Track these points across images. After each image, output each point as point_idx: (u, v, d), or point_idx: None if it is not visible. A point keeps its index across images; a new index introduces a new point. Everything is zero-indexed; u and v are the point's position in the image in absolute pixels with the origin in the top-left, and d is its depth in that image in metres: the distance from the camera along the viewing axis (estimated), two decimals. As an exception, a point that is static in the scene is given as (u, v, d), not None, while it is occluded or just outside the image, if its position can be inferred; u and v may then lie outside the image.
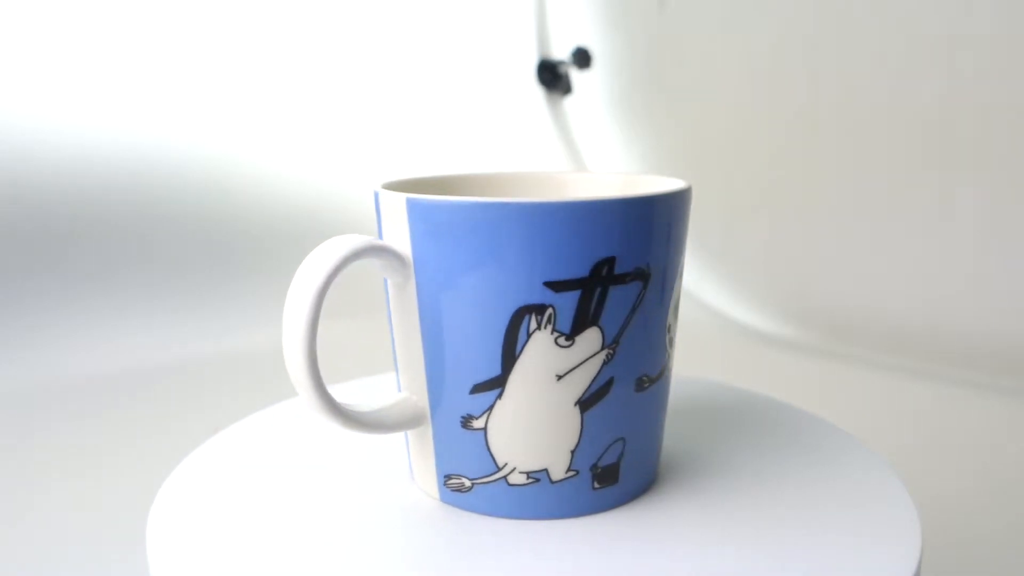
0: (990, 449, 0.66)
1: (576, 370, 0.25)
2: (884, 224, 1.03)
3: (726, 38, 1.22)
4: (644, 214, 0.25)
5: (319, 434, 0.34)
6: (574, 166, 1.36)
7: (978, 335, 0.90)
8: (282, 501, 0.29)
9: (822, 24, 1.10)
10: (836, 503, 0.28)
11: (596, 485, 0.27)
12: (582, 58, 1.36)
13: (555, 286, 0.24)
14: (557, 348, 0.25)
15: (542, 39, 1.41)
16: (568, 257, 0.24)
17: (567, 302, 0.24)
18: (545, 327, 0.25)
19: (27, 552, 0.49)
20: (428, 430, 0.28)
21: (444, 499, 0.28)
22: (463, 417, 0.26)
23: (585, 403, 0.26)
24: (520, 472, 0.26)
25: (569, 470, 0.26)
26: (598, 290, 0.25)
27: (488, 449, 0.26)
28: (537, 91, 1.38)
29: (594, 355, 0.25)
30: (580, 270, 0.24)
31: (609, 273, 0.25)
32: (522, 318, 0.25)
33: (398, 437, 0.33)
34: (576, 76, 1.40)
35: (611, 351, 0.25)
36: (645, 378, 0.27)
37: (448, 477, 0.28)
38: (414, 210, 0.25)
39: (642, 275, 0.25)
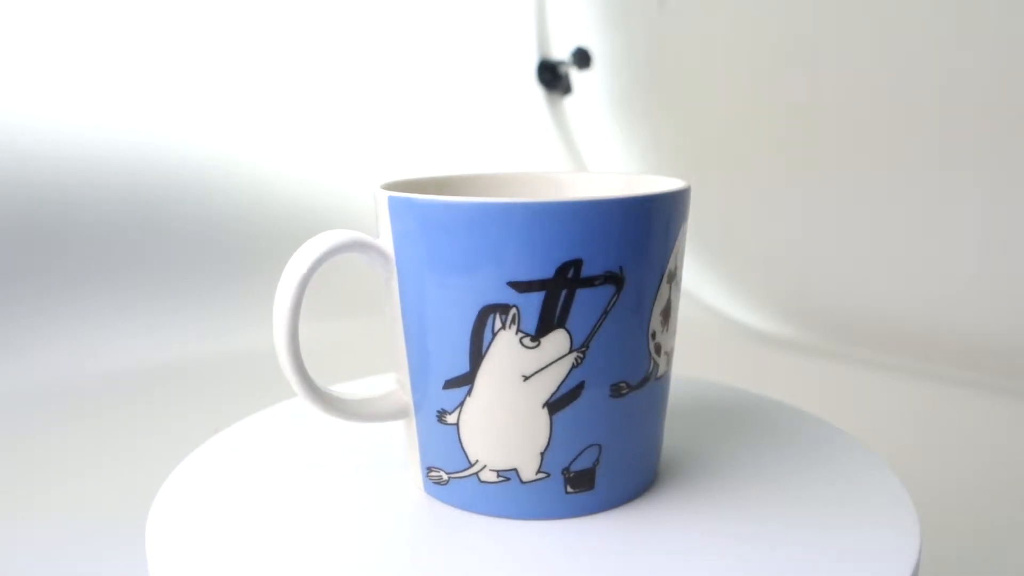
0: (990, 449, 0.66)
1: (543, 372, 0.25)
2: (884, 224, 1.03)
3: (726, 38, 1.22)
4: (613, 217, 0.24)
5: (319, 434, 0.35)
6: (574, 166, 1.36)
7: (978, 335, 0.90)
8: (282, 501, 0.29)
9: (822, 24, 1.10)
10: (835, 503, 0.28)
11: (569, 489, 0.27)
12: (582, 58, 1.36)
13: (519, 286, 0.24)
14: (523, 348, 0.25)
15: (542, 39, 1.41)
16: (532, 258, 0.24)
17: (531, 303, 0.24)
18: (509, 327, 0.25)
19: (27, 552, 0.49)
20: (413, 423, 0.28)
21: (427, 491, 0.29)
22: (438, 411, 0.27)
23: (554, 405, 0.26)
24: (491, 470, 0.27)
25: (539, 472, 0.26)
26: (564, 292, 0.24)
27: (461, 445, 0.27)
28: (537, 91, 1.38)
29: (562, 358, 0.25)
30: (544, 272, 0.24)
31: (576, 276, 0.24)
32: (487, 317, 0.25)
33: (398, 435, 0.33)
34: (576, 76, 1.40)
35: (580, 355, 0.25)
36: (623, 385, 0.26)
37: (430, 469, 0.28)
38: (393, 208, 0.26)
39: (614, 279, 0.25)
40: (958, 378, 0.82)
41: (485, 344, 0.25)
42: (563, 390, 0.25)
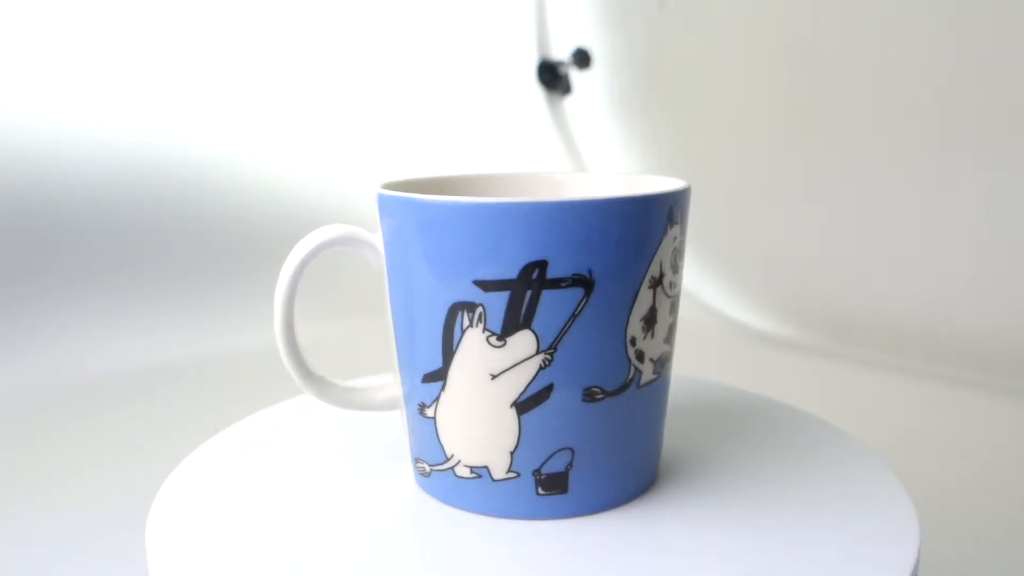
0: (990, 449, 0.66)
1: (510, 371, 0.25)
2: (884, 224, 1.03)
3: (726, 38, 1.22)
4: (580, 219, 0.24)
5: (319, 434, 0.35)
6: (574, 166, 1.36)
7: (978, 335, 0.90)
8: (281, 501, 0.29)
9: (822, 24, 1.10)
10: (835, 503, 0.28)
11: (541, 491, 0.27)
12: (582, 58, 1.36)
13: (484, 285, 0.25)
14: (489, 347, 0.25)
15: (542, 39, 1.41)
16: (496, 258, 0.24)
17: (497, 302, 0.25)
18: (476, 325, 0.25)
19: (26, 552, 0.49)
20: (403, 414, 0.29)
21: (417, 481, 0.29)
22: (419, 404, 0.28)
23: (522, 406, 0.26)
24: (464, 465, 0.27)
25: (510, 471, 0.26)
26: (528, 293, 0.24)
27: (438, 438, 0.27)
28: (537, 91, 1.38)
29: (528, 358, 0.25)
30: (508, 272, 0.24)
31: (541, 277, 0.24)
32: (456, 314, 0.25)
33: (399, 433, 0.33)
34: (576, 76, 1.40)
35: (548, 356, 0.25)
36: (597, 390, 0.26)
37: (417, 461, 0.29)
38: (380, 205, 0.27)
39: (583, 282, 0.25)
40: (958, 378, 0.82)
41: (455, 341, 0.26)
42: (531, 391, 0.25)
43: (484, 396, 0.26)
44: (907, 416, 0.73)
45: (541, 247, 0.24)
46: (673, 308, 0.28)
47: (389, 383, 0.30)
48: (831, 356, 0.90)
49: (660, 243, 0.26)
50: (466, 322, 0.25)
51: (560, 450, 0.26)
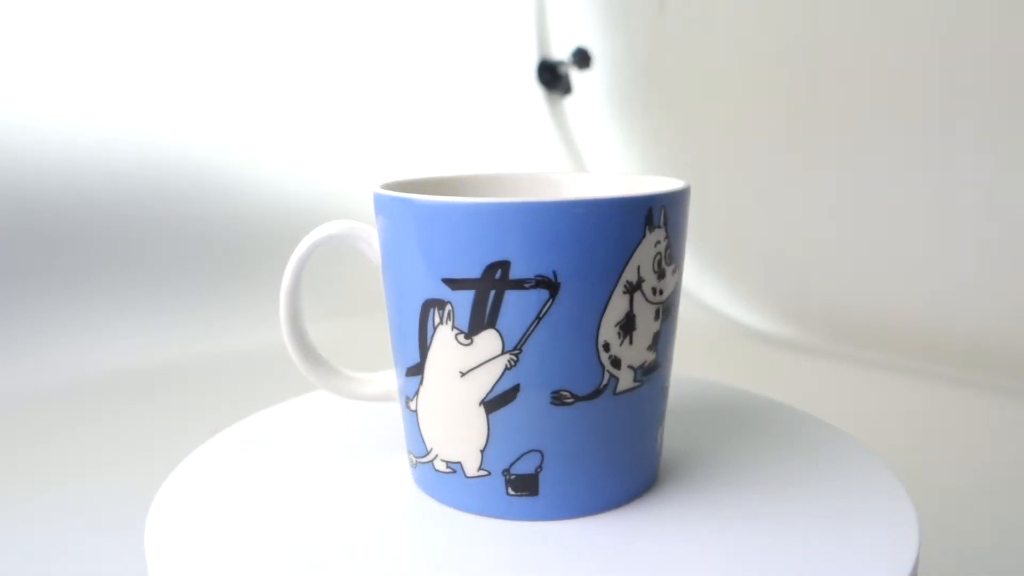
0: (990, 449, 0.66)
1: (477, 369, 0.25)
2: (885, 224, 1.03)
3: (726, 38, 1.22)
4: (543, 220, 0.24)
5: (318, 434, 0.35)
6: (574, 166, 1.36)
7: (978, 335, 0.90)
8: (281, 501, 0.29)
9: (822, 24, 1.10)
10: (834, 503, 0.28)
11: (511, 491, 0.27)
12: (582, 58, 1.36)
13: (451, 284, 0.25)
14: (458, 345, 0.25)
15: (542, 39, 1.41)
16: (462, 256, 0.25)
17: (464, 300, 0.25)
18: (446, 322, 0.25)
19: (26, 552, 0.49)
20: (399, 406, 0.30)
21: (411, 473, 0.30)
22: (405, 397, 0.28)
23: (490, 404, 0.26)
24: (441, 460, 0.27)
25: (481, 469, 0.27)
26: (492, 293, 0.24)
27: (420, 431, 0.28)
28: (537, 91, 1.38)
29: (494, 358, 0.25)
30: (472, 271, 0.24)
31: (504, 277, 0.24)
32: (429, 311, 0.26)
33: (398, 432, 0.33)
34: (576, 76, 1.40)
35: (514, 357, 0.25)
36: (566, 393, 0.26)
37: (408, 452, 0.30)
38: (375, 203, 0.28)
39: (547, 284, 0.24)
40: (958, 378, 0.82)
41: (429, 337, 0.26)
42: (498, 390, 0.26)
43: (454, 393, 0.26)
44: (907, 416, 0.73)
45: (503, 247, 0.24)
46: (661, 315, 0.27)
47: (391, 376, 0.31)
48: (831, 356, 0.90)
49: (636, 247, 0.25)
50: (437, 319, 0.26)
51: (529, 452, 0.26)
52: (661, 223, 0.26)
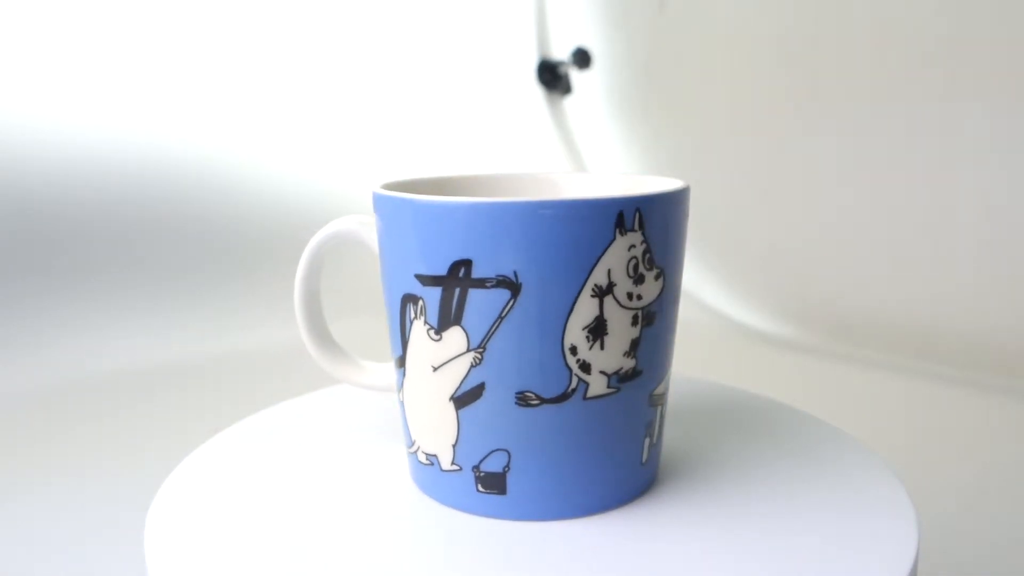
0: (990, 449, 0.66)
1: (447, 365, 0.26)
2: (884, 224, 1.03)
3: (726, 38, 1.22)
4: (502, 220, 0.24)
5: (318, 434, 0.35)
6: (574, 166, 1.36)
7: (978, 335, 0.90)
8: (281, 501, 0.29)
9: (822, 24, 1.10)
10: (834, 503, 0.28)
11: (480, 488, 0.27)
12: (582, 58, 1.36)
13: (422, 280, 0.26)
14: (430, 340, 0.26)
15: (542, 39, 1.41)
16: (430, 254, 0.25)
17: (433, 297, 0.25)
18: (419, 317, 0.26)
19: (25, 552, 0.49)
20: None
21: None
22: (398, 389, 0.29)
23: (458, 401, 0.26)
24: (423, 452, 0.28)
25: (453, 464, 0.27)
26: (457, 290, 0.25)
27: (406, 422, 0.28)
28: (537, 91, 1.38)
29: (461, 355, 0.26)
30: (439, 268, 0.25)
31: (466, 275, 0.25)
32: (406, 305, 0.26)
33: (398, 430, 0.33)
34: (576, 76, 1.40)
35: (479, 355, 0.25)
36: (531, 395, 0.26)
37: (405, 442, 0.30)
38: (373, 201, 0.28)
39: (508, 284, 0.24)
40: (958, 378, 0.82)
41: (407, 331, 0.27)
42: (465, 387, 0.26)
43: (428, 387, 0.27)
44: (907, 416, 0.73)
45: (465, 246, 0.25)
46: (641, 321, 0.26)
47: (390, 365, 0.32)
48: (831, 356, 0.90)
49: (605, 250, 0.25)
50: (412, 314, 0.26)
51: (496, 450, 0.26)
52: (636, 226, 0.25)
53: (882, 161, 1.04)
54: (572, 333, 0.25)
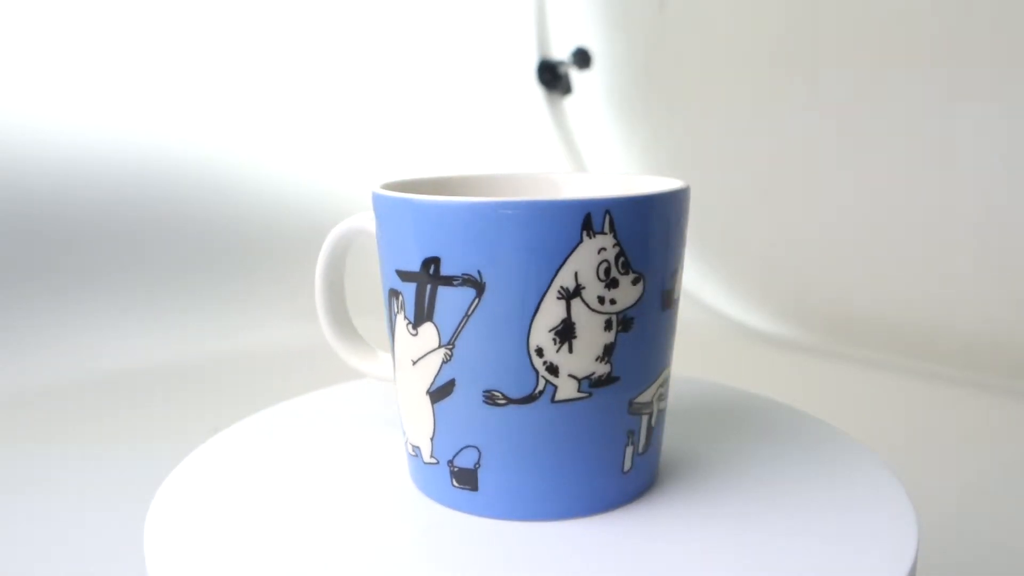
0: (990, 449, 0.66)
1: (423, 360, 0.27)
2: (884, 224, 1.03)
3: (726, 38, 1.22)
4: (465, 220, 0.24)
5: (318, 434, 0.35)
6: (574, 166, 1.36)
7: (978, 335, 0.90)
8: (280, 501, 0.29)
9: (822, 24, 1.10)
10: (834, 503, 0.28)
11: (455, 483, 0.27)
12: (582, 58, 1.36)
13: (401, 275, 0.26)
14: (408, 334, 0.27)
15: (542, 39, 1.41)
16: (406, 250, 0.26)
17: (410, 292, 0.26)
18: (400, 311, 0.27)
19: (25, 552, 0.49)
20: None
21: None
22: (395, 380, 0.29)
23: (433, 395, 0.27)
24: (410, 443, 0.29)
25: (432, 457, 0.28)
26: (428, 287, 0.26)
27: (400, 412, 0.29)
28: (537, 91, 1.38)
29: (433, 350, 0.26)
30: (413, 264, 0.26)
31: (436, 273, 0.25)
32: (391, 299, 0.27)
33: (399, 429, 0.33)
34: (576, 76, 1.40)
35: (448, 351, 0.26)
36: (498, 394, 0.26)
37: None
38: (372, 200, 0.29)
39: (473, 283, 0.25)
40: (958, 378, 0.82)
41: (393, 324, 0.28)
42: (438, 383, 0.26)
43: (408, 380, 0.27)
44: (907, 416, 0.73)
45: (434, 244, 0.25)
46: (616, 327, 0.26)
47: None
48: (831, 356, 0.90)
49: (571, 253, 0.24)
50: (395, 308, 0.27)
51: (467, 447, 0.27)
52: (605, 229, 0.24)
53: (882, 161, 1.04)
54: (538, 334, 0.25)
